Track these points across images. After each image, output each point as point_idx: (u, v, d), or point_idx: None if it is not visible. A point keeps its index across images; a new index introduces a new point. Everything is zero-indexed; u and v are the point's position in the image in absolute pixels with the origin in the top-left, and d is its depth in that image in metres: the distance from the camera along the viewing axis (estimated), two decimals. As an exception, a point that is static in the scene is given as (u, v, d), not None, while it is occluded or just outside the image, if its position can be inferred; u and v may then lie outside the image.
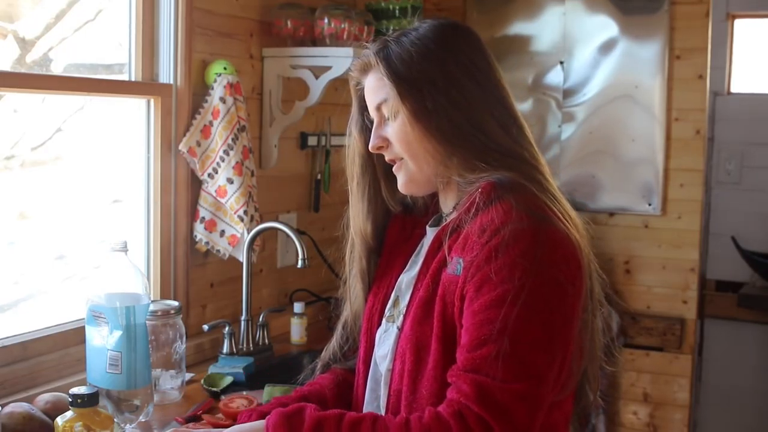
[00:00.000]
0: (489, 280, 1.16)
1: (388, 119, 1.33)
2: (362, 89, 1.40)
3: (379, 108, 1.34)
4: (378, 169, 1.44)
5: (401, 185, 1.37)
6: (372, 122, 1.38)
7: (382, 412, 1.34)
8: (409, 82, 1.29)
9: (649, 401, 3.11)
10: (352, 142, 1.45)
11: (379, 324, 1.40)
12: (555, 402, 1.23)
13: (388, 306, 1.40)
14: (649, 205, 3.04)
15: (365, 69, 1.36)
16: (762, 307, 3.71)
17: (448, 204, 1.36)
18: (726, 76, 4.02)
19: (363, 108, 1.42)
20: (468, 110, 1.28)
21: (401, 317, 1.33)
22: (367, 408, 1.39)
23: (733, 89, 4.06)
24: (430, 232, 1.39)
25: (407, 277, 1.38)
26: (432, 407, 1.19)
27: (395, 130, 1.32)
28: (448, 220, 1.30)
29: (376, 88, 1.34)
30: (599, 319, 1.32)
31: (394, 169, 1.37)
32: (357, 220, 1.47)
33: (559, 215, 1.23)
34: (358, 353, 1.45)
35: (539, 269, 1.16)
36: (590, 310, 1.27)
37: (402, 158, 1.34)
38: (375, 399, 1.38)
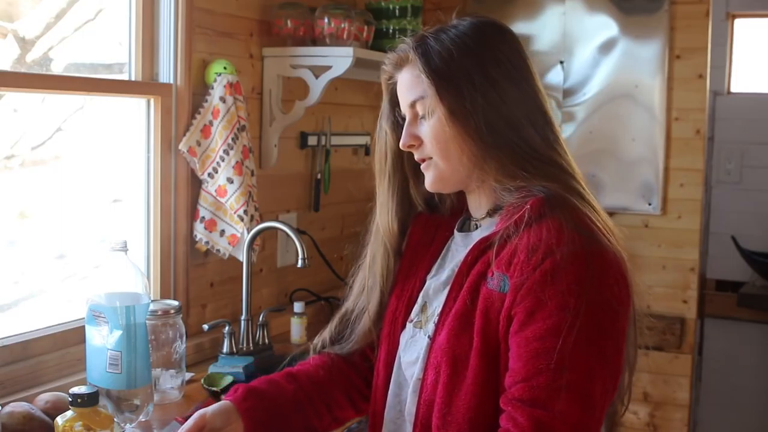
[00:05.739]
0: (542, 306, 1.14)
1: (423, 117, 1.28)
2: (394, 84, 1.34)
3: (413, 105, 1.29)
4: (407, 167, 1.40)
5: (429, 183, 1.32)
6: (404, 118, 1.33)
7: (406, 417, 1.33)
8: (447, 80, 1.24)
9: (649, 401, 3.11)
10: (383, 138, 1.40)
11: (403, 327, 1.37)
12: None
13: (415, 310, 1.36)
14: (649, 204, 3.04)
15: (400, 63, 1.31)
16: (762, 307, 3.71)
17: (481, 208, 1.32)
18: (726, 76, 4.03)
19: (395, 103, 1.36)
20: (505, 112, 1.24)
21: (431, 325, 1.30)
22: (389, 412, 1.37)
23: (733, 89, 4.07)
24: (459, 237, 1.36)
25: (435, 283, 1.35)
26: None
27: (430, 129, 1.27)
28: (490, 233, 1.25)
29: (412, 85, 1.28)
30: (633, 329, 1.28)
31: (422, 167, 1.33)
32: (384, 218, 1.42)
33: (602, 229, 1.21)
34: (378, 355, 1.42)
35: (592, 294, 1.14)
36: (633, 322, 1.25)
37: (431, 158, 1.30)
38: (398, 403, 1.36)
